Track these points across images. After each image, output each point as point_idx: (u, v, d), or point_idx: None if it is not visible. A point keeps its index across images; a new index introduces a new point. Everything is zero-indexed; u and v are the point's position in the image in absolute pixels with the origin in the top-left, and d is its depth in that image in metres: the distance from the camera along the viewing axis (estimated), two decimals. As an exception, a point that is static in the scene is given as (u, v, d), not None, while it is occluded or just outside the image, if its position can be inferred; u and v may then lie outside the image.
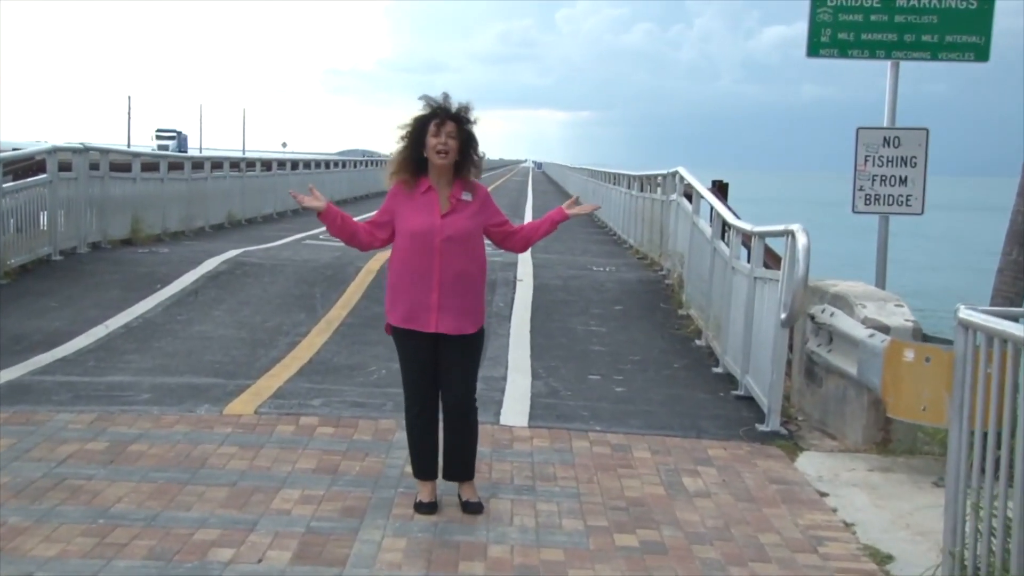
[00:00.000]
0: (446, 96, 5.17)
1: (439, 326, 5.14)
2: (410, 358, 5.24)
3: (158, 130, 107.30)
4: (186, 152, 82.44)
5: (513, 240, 5.38)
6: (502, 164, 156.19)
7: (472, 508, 5.35)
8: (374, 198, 36.71)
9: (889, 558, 5.05)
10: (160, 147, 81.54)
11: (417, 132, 5.14)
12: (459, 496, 5.43)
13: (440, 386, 5.25)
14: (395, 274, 5.23)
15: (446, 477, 5.42)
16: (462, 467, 5.40)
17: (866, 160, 10.06)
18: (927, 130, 10.10)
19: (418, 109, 5.20)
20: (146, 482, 5.66)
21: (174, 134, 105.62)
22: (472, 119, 5.18)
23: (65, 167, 14.23)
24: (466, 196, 5.21)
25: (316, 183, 32.68)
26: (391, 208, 5.24)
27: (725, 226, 9.86)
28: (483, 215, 5.25)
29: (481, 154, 5.27)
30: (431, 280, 5.12)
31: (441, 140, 5.09)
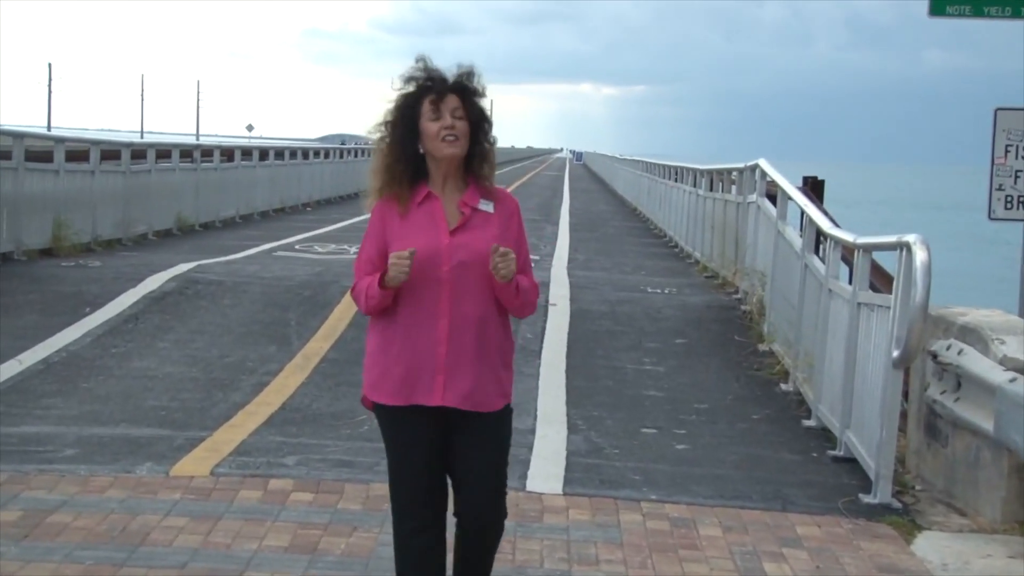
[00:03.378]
0: (426, 62, 4.58)
1: (446, 396, 4.50)
2: (404, 448, 4.60)
3: None
4: None
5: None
6: (531, 154, 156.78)
7: None
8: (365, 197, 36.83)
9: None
10: None
11: (408, 118, 4.55)
12: None
13: (456, 490, 4.65)
14: (383, 324, 4.58)
15: None
16: None
17: (1007, 151, 10.05)
18: (1086, 112, 10.08)
19: (395, 90, 4.60)
20: (71, 562, 5.69)
21: None
22: (480, 87, 4.62)
23: (-32, 156, 14.40)
24: (485, 206, 4.60)
25: (292, 178, 32.91)
26: (382, 236, 4.59)
27: (820, 236, 9.84)
28: (507, 237, 4.58)
29: (492, 139, 4.68)
30: (436, 327, 4.49)
31: (446, 122, 4.50)
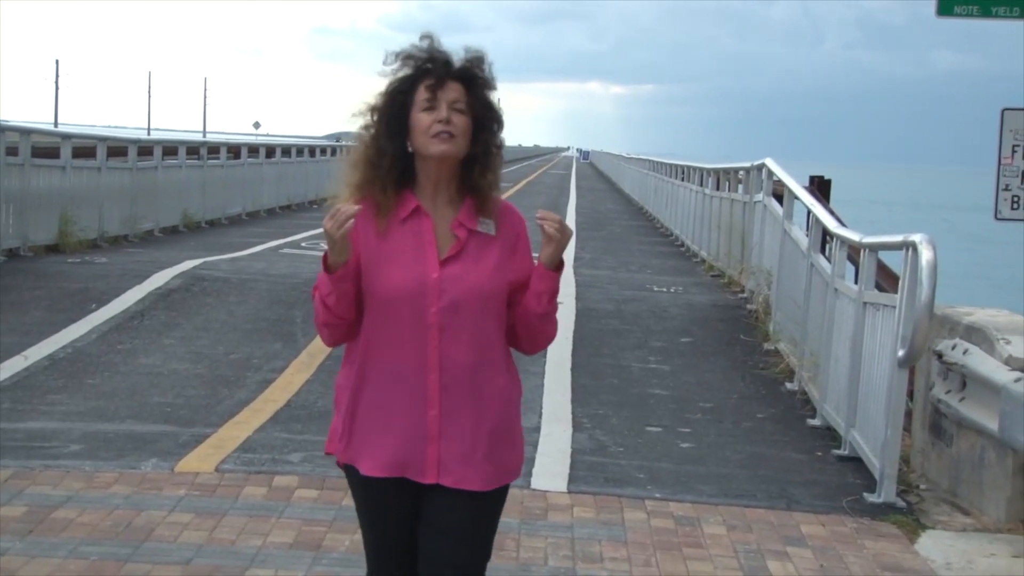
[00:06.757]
0: (432, 41, 3.72)
1: (441, 474, 3.64)
2: (383, 524, 3.76)
3: None
4: None
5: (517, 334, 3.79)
6: (538, 153, 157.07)
7: None
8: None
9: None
10: None
11: (398, 105, 3.69)
12: None
13: (420, 570, 3.73)
14: (360, 371, 3.70)
15: None
16: None
17: (1014, 151, 10.03)
18: (1094, 113, 10.05)
19: (388, 65, 3.73)
20: (75, 558, 5.70)
21: None
22: (490, 78, 3.74)
23: (-25, 152, 14.43)
24: (484, 227, 3.70)
25: (299, 175, 32.94)
26: (355, 257, 3.65)
27: (826, 235, 9.85)
28: (512, 266, 3.71)
29: (500, 142, 3.78)
30: (425, 383, 3.63)
31: (440, 115, 3.63)
